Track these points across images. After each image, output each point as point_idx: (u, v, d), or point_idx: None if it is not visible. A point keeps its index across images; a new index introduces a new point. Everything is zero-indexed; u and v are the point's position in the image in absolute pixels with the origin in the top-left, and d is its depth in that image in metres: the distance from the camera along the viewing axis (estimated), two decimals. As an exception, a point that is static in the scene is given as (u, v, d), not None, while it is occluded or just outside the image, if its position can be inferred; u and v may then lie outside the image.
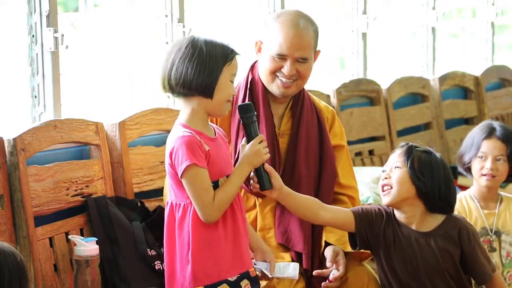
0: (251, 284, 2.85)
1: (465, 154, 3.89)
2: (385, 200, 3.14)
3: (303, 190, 3.26)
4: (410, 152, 3.13)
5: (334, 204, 3.35)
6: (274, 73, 3.26)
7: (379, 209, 3.17)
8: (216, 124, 3.07)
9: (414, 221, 3.13)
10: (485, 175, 3.78)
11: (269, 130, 3.28)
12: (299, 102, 3.35)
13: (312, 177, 3.32)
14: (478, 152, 3.82)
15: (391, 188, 3.11)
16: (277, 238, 3.29)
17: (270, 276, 3.03)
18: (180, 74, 2.78)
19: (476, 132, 3.91)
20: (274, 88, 3.27)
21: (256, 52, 3.33)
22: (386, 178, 3.13)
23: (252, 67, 3.36)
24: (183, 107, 2.85)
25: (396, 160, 3.14)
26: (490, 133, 3.85)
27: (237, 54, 2.84)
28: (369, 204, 4.16)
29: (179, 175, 2.76)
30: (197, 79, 2.76)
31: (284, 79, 3.25)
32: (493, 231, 3.86)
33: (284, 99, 3.34)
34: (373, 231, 3.13)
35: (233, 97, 2.95)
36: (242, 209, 2.89)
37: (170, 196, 2.86)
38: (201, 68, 2.76)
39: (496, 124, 3.89)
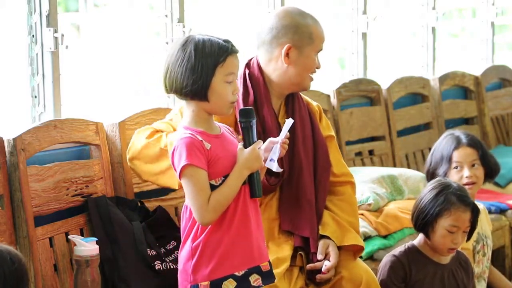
0: (262, 279, 2.82)
1: (437, 169, 3.93)
2: None
3: (305, 178, 3.33)
4: (477, 212, 3.42)
5: (335, 196, 3.44)
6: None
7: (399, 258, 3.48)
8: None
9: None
10: (466, 184, 3.81)
11: (273, 123, 3.32)
12: (292, 97, 3.41)
13: (310, 166, 3.38)
14: (451, 164, 3.88)
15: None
16: (283, 225, 3.31)
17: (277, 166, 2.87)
18: (173, 80, 2.77)
19: (442, 145, 3.97)
20: (307, 84, 3.36)
21: (283, 58, 3.30)
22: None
23: (248, 64, 3.37)
24: (185, 109, 2.84)
25: (466, 225, 3.40)
26: (458, 142, 3.93)
27: (232, 53, 2.77)
28: (369, 204, 4.16)
29: (178, 176, 2.75)
30: (187, 85, 2.74)
31: (313, 74, 3.36)
32: (483, 236, 3.88)
33: (283, 94, 3.38)
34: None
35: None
36: (255, 205, 2.86)
37: None
38: (190, 74, 2.73)
39: (459, 133, 3.98)
